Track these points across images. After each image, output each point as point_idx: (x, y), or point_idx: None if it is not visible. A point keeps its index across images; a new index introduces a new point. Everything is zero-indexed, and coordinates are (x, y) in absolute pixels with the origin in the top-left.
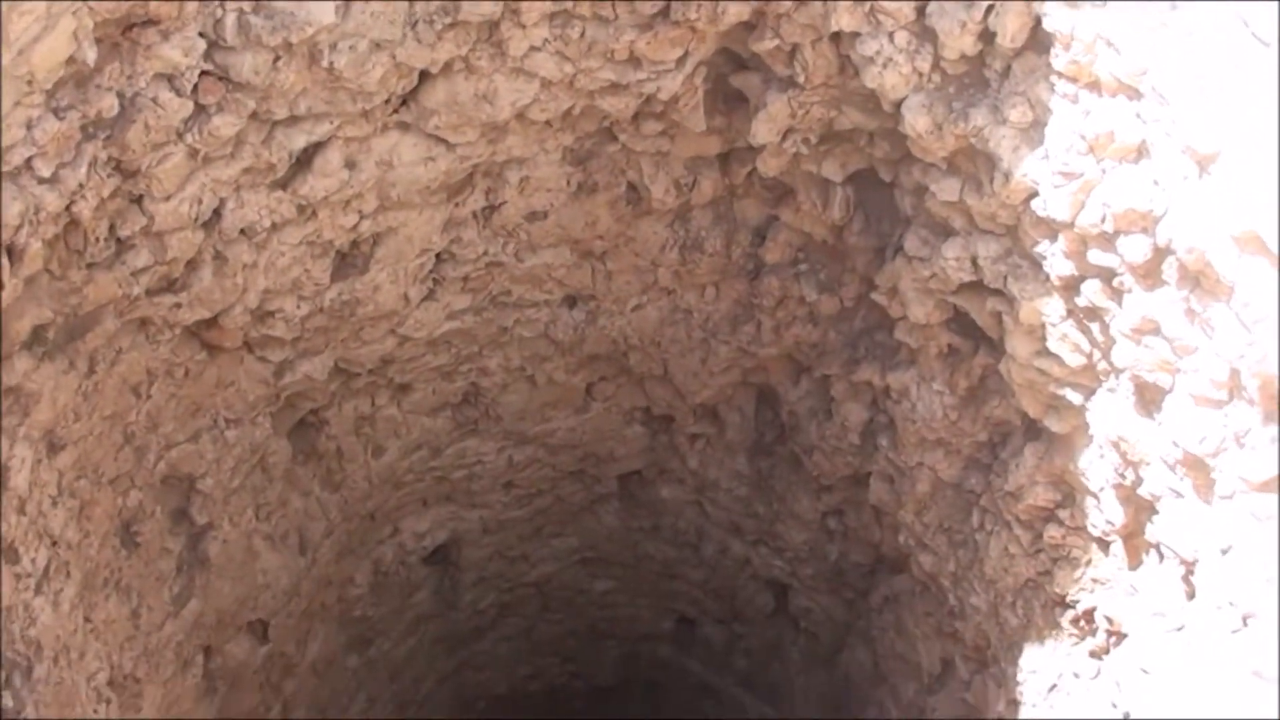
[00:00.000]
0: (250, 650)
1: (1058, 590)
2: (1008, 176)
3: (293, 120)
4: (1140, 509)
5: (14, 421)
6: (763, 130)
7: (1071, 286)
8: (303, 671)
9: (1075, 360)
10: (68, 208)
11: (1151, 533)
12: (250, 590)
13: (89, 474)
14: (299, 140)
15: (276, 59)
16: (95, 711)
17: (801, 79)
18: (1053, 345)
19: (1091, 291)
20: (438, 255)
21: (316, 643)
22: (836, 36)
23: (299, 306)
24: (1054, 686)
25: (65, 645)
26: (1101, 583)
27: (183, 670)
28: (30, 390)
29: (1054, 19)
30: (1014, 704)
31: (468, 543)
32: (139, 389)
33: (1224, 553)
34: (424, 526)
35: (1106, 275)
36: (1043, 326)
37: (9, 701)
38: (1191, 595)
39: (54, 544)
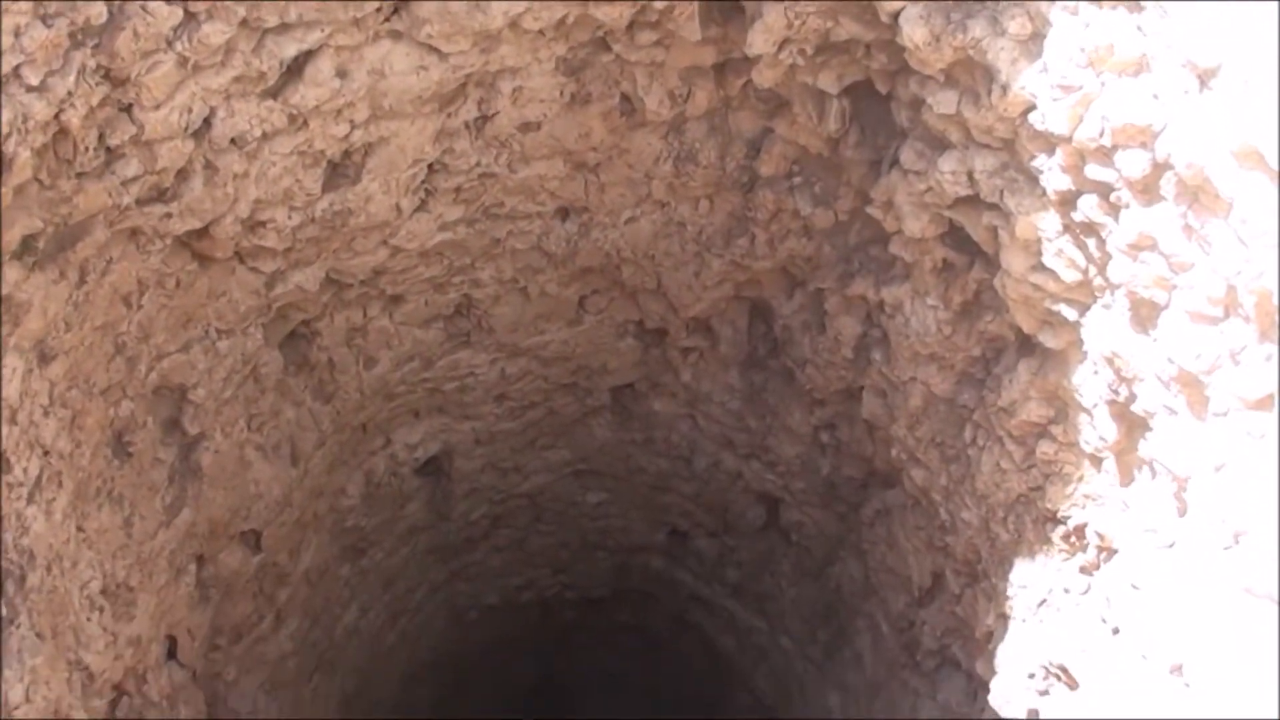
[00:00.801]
0: (243, 559)
1: (1049, 506)
2: (1005, 89)
3: (283, 28)
4: (1133, 426)
5: (4, 331)
6: (759, 41)
7: (1068, 201)
8: (296, 581)
9: (1071, 276)
10: (56, 116)
11: (1144, 449)
12: (243, 500)
13: (80, 384)
14: (290, 48)
15: None
16: (89, 619)
17: None
18: (1048, 260)
19: (1088, 207)
20: (430, 166)
21: (309, 552)
22: None
23: (290, 217)
24: (1044, 601)
25: (58, 554)
26: (1093, 499)
27: (176, 579)
28: (20, 300)
29: None
30: (1003, 618)
31: (460, 454)
32: (130, 299)
33: (1217, 470)
34: (416, 438)
35: (1104, 190)
36: (1038, 241)
37: (3, 609)
38: (1183, 512)
39: (46, 454)
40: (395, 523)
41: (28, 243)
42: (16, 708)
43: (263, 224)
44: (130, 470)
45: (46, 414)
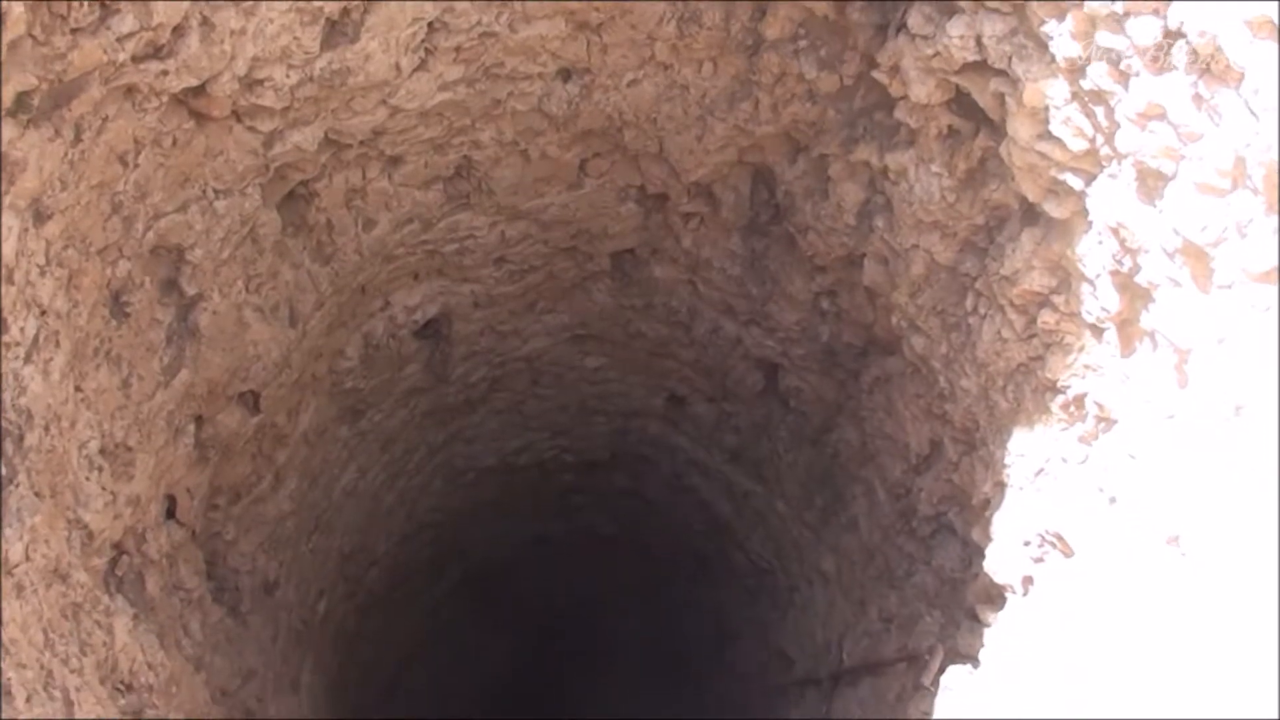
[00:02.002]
0: (242, 420)
1: (1049, 375)
2: None
3: None
4: (1136, 296)
5: (0, 190)
6: None
7: (1077, 69)
8: (294, 441)
9: (1078, 145)
10: None
11: (1146, 320)
12: (241, 361)
13: (77, 243)
14: None
15: None
16: (88, 479)
17: None
18: (1055, 129)
19: (1097, 74)
20: (430, 24)
21: (308, 414)
22: None
23: (288, 75)
24: (1041, 470)
25: (56, 414)
26: (1093, 369)
27: (174, 439)
28: (15, 158)
29: None
30: (1000, 486)
31: (459, 317)
32: (126, 158)
33: (1220, 343)
34: (415, 300)
35: (1114, 58)
36: (1046, 109)
37: (2, 469)
38: (1184, 384)
39: (43, 313)
40: (394, 385)
41: (22, 100)
42: (16, 566)
43: (260, 82)
44: (128, 330)
45: (43, 273)
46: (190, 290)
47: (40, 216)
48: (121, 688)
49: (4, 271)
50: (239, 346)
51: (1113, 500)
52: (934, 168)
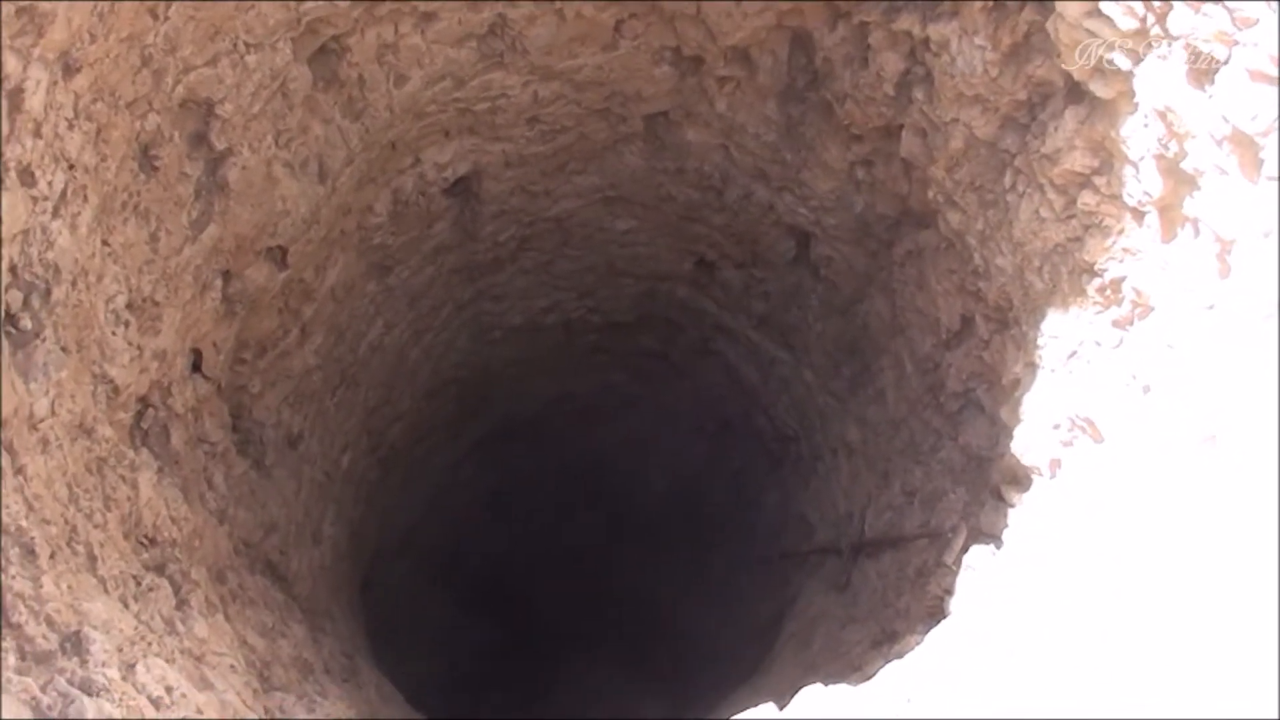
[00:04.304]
0: (269, 275)
1: (1086, 257)
2: None
3: None
4: (1180, 182)
5: (28, 42)
6: None
7: None
8: (321, 297)
9: (1128, 23)
10: None
11: (1190, 207)
12: (269, 216)
13: (105, 97)
14: None
15: None
16: (114, 333)
17: None
18: (1105, 6)
19: None
20: None
21: (335, 269)
22: None
23: None
24: (1074, 353)
25: (83, 268)
26: (1132, 253)
27: (202, 294)
28: (44, 10)
29: None
30: (1031, 366)
31: (489, 176)
32: (156, 10)
33: (1265, 236)
34: (445, 157)
35: None
36: None
37: (27, 323)
38: (1225, 275)
39: (71, 167)
40: (422, 241)
41: None
42: (42, 420)
43: None
44: (156, 185)
45: (71, 127)
46: (219, 145)
47: (69, 69)
48: (145, 542)
49: (32, 125)
50: (268, 202)
51: (1146, 389)
52: (977, 40)
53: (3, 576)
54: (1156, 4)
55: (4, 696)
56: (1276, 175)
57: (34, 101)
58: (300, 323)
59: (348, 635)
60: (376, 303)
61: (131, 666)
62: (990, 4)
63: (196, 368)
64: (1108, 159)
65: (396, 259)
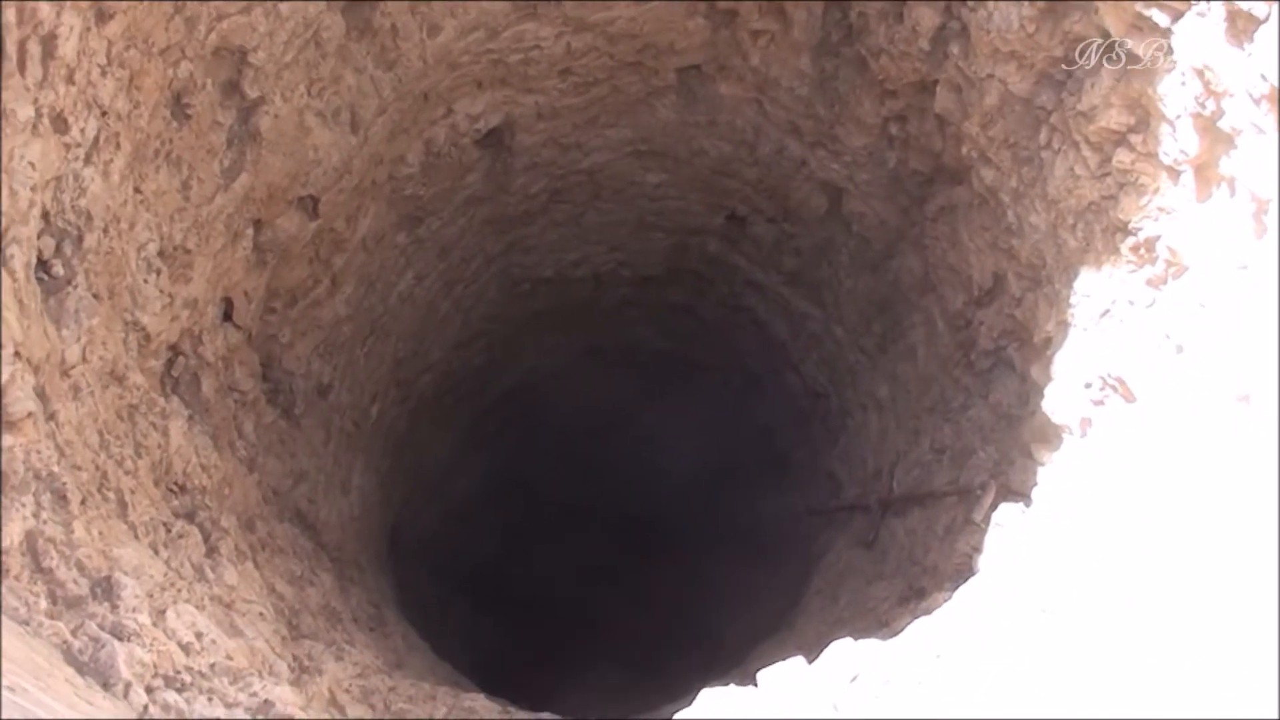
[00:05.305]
0: (300, 225)
1: (1121, 216)
2: None
3: None
4: (1217, 141)
5: None
6: None
7: None
8: (352, 247)
9: None
10: None
11: (1226, 166)
12: (301, 166)
13: (139, 44)
14: None
15: None
16: (145, 281)
17: None
18: None
19: None
20: None
21: (367, 219)
22: None
23: None
24: (1106, 311)
25: (115, 215)
26: (1167, 212)
27: (233, 242)
28: None
29: None
30: (1063, 325)
31: (521, 128)
32: None
33: None
34: (478, 109)
35: None
36: None
37: (59, 270)
38: (1261, 235)
39: (104, 114)
40: (454, 193)
41: None
42: (73, 367)
43: None
44: (189, 132)
45: (104, 74)
46: (252, 93)
47: (102, 16)
48: (175, 489)
49: (65, 72)
50: (299, 151)
51: (1180, 349)
52: None
53: (35, 521)
54: None
55: (35, 640)
56: None
57: (67, 48)
58: (331, 273)
59: (375, 585)
60: (407, 254)
61: (162, 612)
62: None
63: (227, 316)
64: (1144, 117)
65: (428, 210)
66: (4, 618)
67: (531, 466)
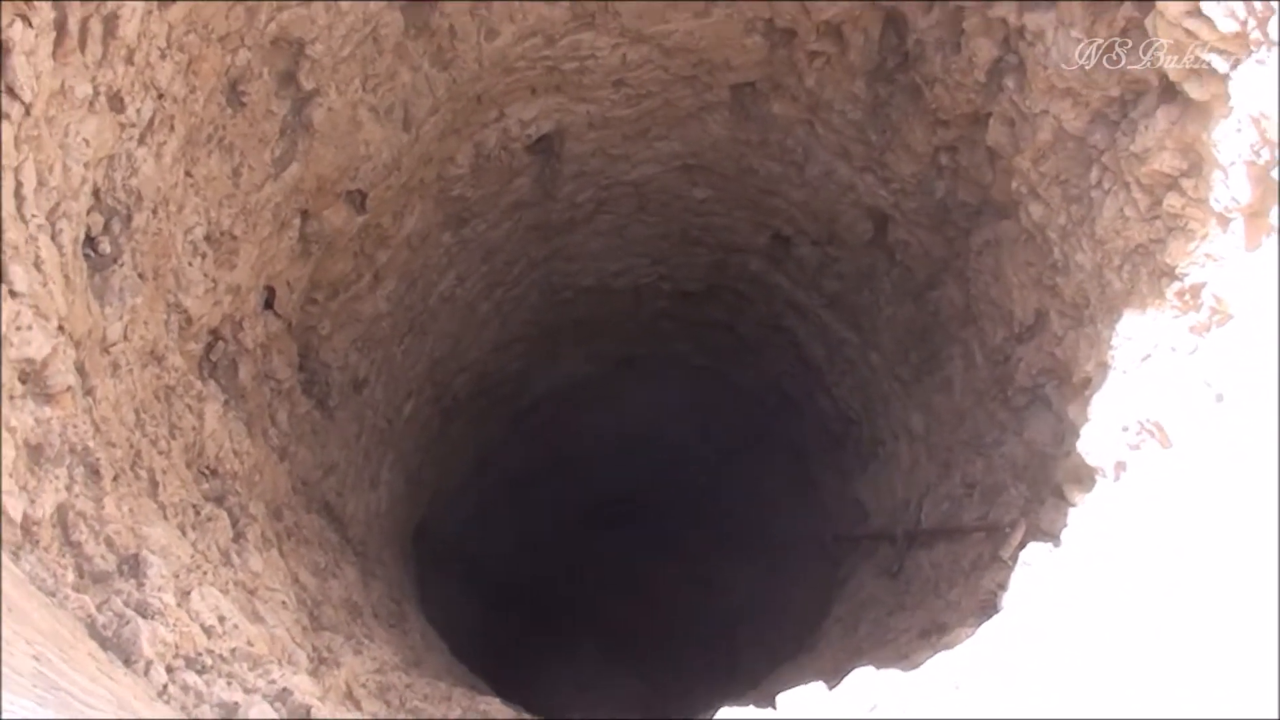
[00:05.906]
0: (347, 218)
1: (1168, 260)
2: None
3: None
4: (1269, 190)
5: None
6: None
7: None
8: (397, 244)
9: (1228, 26)
10: None
11: (1277, 216)
12: (351, 160)
13: (199, 29)
14: None
15: None
16: (190, 264)
17: None
18: (1206, 7)
19: None
20: None
21: (413, 217)
22: None
23: None
24: (1148, 356)
25: (165, 197)
26: (1215, 259)
27: (279, 231)
28: None
29: None
30: (1104, 366)
31: (572, 136)
32: None
33: None
34: (530, 114)
35: None
36: None
37: (106, 248)
38: None
39: (160, 96)
40: (500, 196)
41: None
42: (114, 344)
43: None
44: (242, 120)
45: (163, 56)
46: (307, 85)
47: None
48: (206, 472)
49: (124, 52)
50: (351, 145)
51: (1220, 397)
52: (1074, 32)
53: (67, 494)
54: (1259, 6)
55: (60, 612)
56: None
57: (128, 29)
58: (374, 268)
59: (397, 581)
60: (451, 254)
61: (187, 593)
62: None
63: (269, 305)
64: (1197, 162)
65: (474, 212)
66: (31, 587)
67: (560, 473)
